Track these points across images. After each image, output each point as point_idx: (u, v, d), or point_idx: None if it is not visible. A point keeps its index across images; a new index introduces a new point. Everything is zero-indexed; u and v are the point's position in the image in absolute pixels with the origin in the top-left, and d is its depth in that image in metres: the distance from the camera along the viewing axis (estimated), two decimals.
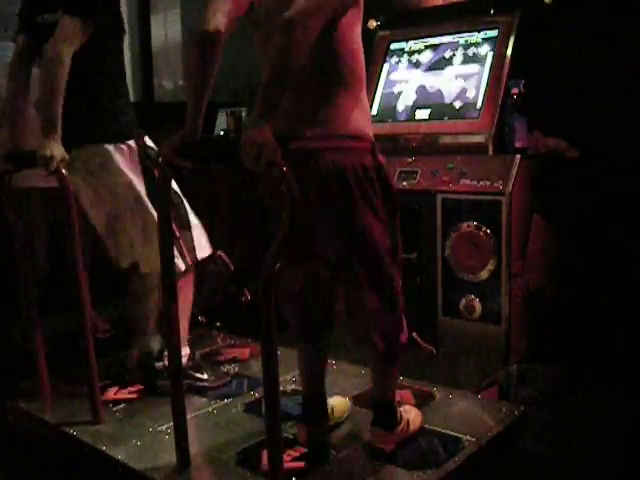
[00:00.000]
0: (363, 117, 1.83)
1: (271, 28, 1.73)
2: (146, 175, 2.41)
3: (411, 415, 2.08)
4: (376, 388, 2.03)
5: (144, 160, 2.41)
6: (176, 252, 2.32)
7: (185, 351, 2.48)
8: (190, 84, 1.88)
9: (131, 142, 2.41)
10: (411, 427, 2.05)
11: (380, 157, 1.83)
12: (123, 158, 2.38)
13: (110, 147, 2.36)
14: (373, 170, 1.78)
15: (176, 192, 2.46)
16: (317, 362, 2.09)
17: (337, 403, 2.18)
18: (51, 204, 3.09)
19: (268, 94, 1.58)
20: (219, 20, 1.75)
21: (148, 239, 2.40)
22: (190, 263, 2.48)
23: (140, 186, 2.40)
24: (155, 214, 2.31)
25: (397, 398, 2.08)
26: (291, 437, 2.05)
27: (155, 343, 2.60)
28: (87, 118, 2.34)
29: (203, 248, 2.54)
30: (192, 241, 2.49)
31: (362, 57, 1.82)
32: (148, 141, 2.47)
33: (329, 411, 2.12)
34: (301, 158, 1.66)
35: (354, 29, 1.77)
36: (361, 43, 1.81)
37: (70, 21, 2.21)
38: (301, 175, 1.57)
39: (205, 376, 2.54)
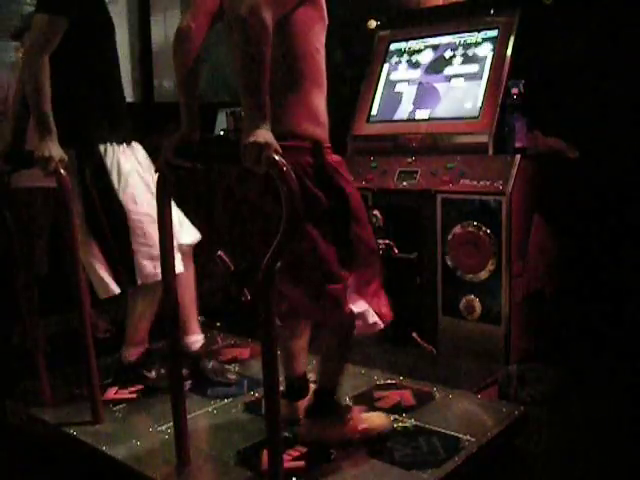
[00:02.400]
0: (306, 118, 1.80)
1: (229, 25, 1.78)
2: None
3: (367, 418, 2.07)
4: (324, 374, 2.04)
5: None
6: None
7: (199, 336, 2.60)
8: (177, 83, 1.90)
9: (108, 146, 2.34)
10: (365, 427, 2.03)
11: (330, 158, 1.82)
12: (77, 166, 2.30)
13: (73, 157, 2.29)
14: (312, 169, 1.77)
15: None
16: (291, 341, 2.13)
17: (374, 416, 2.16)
18: (50, 204, 3.09)
19: (247, 93, 1.58)
20: (189, 17, 1.82)
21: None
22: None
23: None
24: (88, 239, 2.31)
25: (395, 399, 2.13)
26: (291, 437, 2.05)
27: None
28: (66, 121, 2.26)
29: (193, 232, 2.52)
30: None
31: (320, 60, 1.81)
32: (137, 146, 2.43)
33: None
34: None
35: (311, 30, 1.77)
36: (322, 47, 1.81)
37: (39, 18, 2.18)
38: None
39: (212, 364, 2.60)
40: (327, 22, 1.83)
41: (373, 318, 1.90)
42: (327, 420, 2.02)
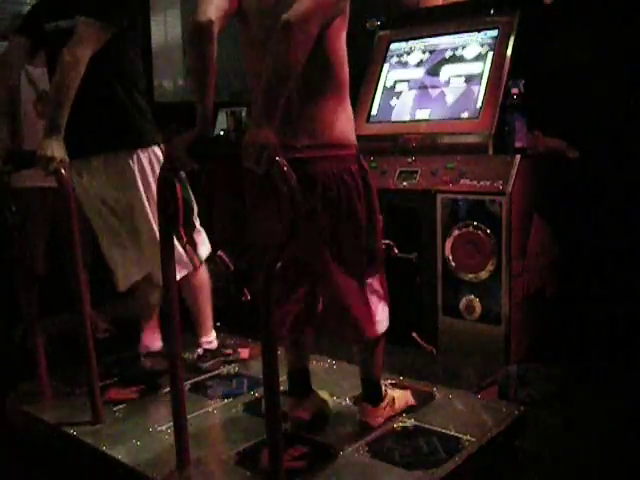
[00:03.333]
0: (348, 125, 1.86)
1: (260, 28, 1.78)
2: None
3: (396, 394, 2.21)
4: (363, 367, 2.14)
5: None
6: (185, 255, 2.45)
7: (212, 335, 2.74)
8: (193, 80, 1.86)
9: (153, 148, 2.41)
10: (396, 404, 2.18)
11: (364, 163, 1.89)
12: (140, 167, 2.38)
13: (130, 157, 2.36)
14: (358, 176, 1.83)
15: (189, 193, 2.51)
16: (297, 339, 2.15)
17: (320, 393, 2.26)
18: (50, 204, 3.09)
19: (269, 96, 1.59)
20: (211, 11, 1.75)
21: (150, 255, 2.43)
22: (198, 264, 2.57)
23: (149, 200, 2.38)
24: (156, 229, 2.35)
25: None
26: (291, 437, 2.05)
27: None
28: (106, 125, 2.34)
29: (206, 246, 2.60)
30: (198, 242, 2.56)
31: (347, 66, 1.84)
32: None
33: (324, 406, 2.21)
34: (292, 168, 1.66)
35: (340, 37, 1.79)
36: (345, 51, 1.83)
37: (88, 24, 2.20)
38: None
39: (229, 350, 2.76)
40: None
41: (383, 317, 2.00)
42: (382, 405, 2.13)
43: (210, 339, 2.73)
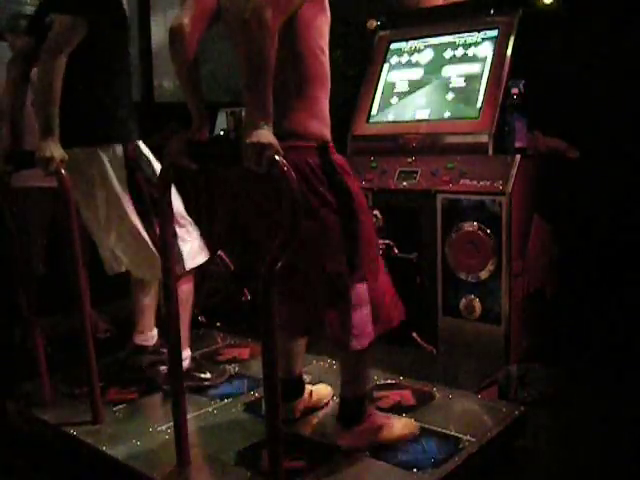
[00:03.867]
0: (314, 119, 1.81)
1: (230, 26, 1.79)
2: (131, 180, 2.38)
3: (394, 424, 2.03)
4: (342, 382, 2.01)
5: (132, 165, 2.37)
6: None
7: (186, 353, 2.48)
8: (179, 83, 1.90)
9: (130, 143, 2.38)
10: (384, 433, 1.99)
11: (335, 157, 1.83)
12: (116, 163, 2.35)
13: (105, 152, 2.33)
14: (319, 169, 1.77)
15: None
16: (290, 343, 2.14)
17: (318, 388, 2.25)
18: (48, 204, 3.08)
19: (251, 94, 1.59)
20: (182, 15, 1.81)
21: (134, 250, 2.42)
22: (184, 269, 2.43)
23: (126, 196, 2.36)
24: (138, 224, 2.35)
25: (395, 399, 2.14)
26: (291, 437, 2.05)
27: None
28: (85, 119, 2.32)
29: (200, 254, 2.52)
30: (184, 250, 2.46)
31: (324, 60, 1.81)
32: (142, 146, 2.44)
33: (308, 394, 2.20)
34: None
35: (313, 29, 1.76)
36: (326, 46, 1.81)
37: (61, 20, 2.19)
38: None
39: (208, 375, 2.55)
40: (330, 19, 1.82)
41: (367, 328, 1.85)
42: (357, 428, 1.98)
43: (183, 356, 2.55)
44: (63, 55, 2.16)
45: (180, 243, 2.39)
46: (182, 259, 2.37)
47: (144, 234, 2.38)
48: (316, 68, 1.79)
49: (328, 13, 1.81)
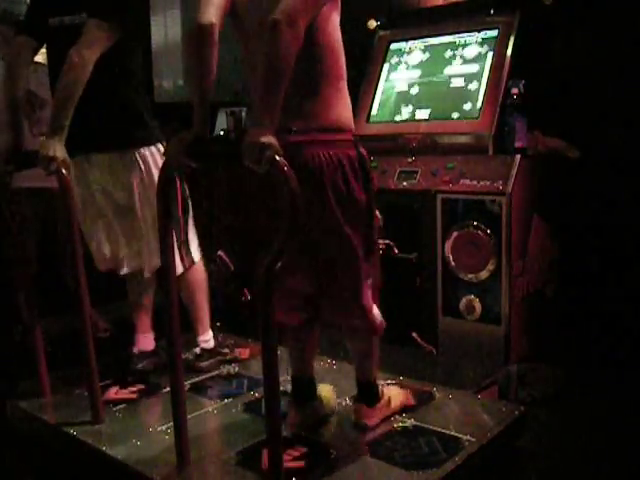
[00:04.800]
0: (346, 110, 1.85)
1: (252, 24, 1.77)
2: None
3: (392, 392, 2.20)
4: (357, 368, 2.13)
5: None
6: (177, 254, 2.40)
7: (210, 334, 2.75)
8: (192, 81, 1.86)
9: (158, 145, 2.43)
10: (392, 404, 2.17)
11: (362, 149, 1.86)
12: (145, 164, 2.41)
13: (135, 154, 2.39)
14: (357, 162, 1.81)
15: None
16: (306, 343, 2.15)
17: (325, 392, 2.25)
18: (45, 205, 3.07)
19: (266, 96, 1.59)
20: (212, 12, 1.75)
21: (130, 242, 2.48)
22: (191, 262, 2.57)
23: (148, 198, 2.40)
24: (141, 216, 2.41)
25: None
26: (291, 437, 2.05)
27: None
28: (117, 123, 2.36)
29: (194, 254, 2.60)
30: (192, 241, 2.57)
31: (341, 50, 1.83)
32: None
33: (322, 401, 2.20)
34: (287, 151, 1.61)
35: (331, 21, 1.77)
36: (339, 36, 1.82)
37: (97, 26, 2.20)
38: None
39: (227, 350, 2.77)
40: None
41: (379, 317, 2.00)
42: (378, 405, 2.12)
43: (207, 338, 2.73)
44: (92, 58, 2.18)
45: (190, 235, 2.55)
46: (191, 253, 2.55)
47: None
48: (337, 60, 1.81)
49: (338, 2, 1.81)
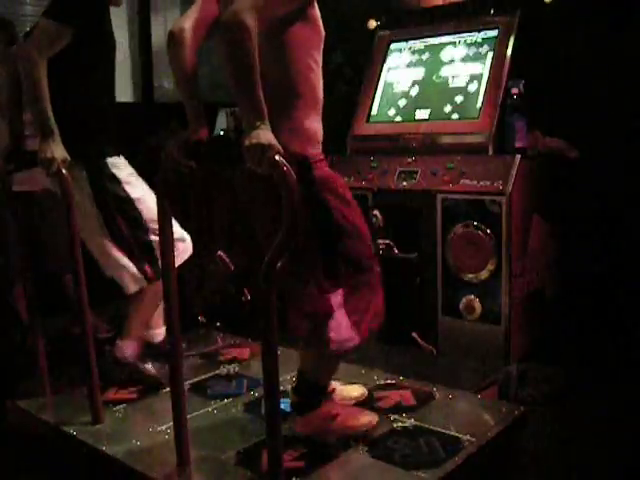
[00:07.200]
0: (293, 134, 1.80)
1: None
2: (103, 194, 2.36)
3: (352, 413, 2.08)
4: (304, 361, 2.04)
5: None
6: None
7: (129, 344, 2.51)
8: (177, 84, 1.93)
9: (107, 160, 2.37)
10: (337, 422, 2.02)
11: (318, 173, 1.82)
12: (92, 177, 2.35)
13: (82, 168, 2.32)
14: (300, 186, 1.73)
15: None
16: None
17: (345, 389, 2.24)
18: (36, 208, 3.06)
19: (240, 96, 1.60)
20: (183, 20, 1.87)
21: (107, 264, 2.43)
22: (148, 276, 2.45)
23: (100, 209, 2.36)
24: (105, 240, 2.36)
25: (395, 399, 2.17)
26: (291, 437, 2.05)
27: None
28: (65, 133, 2.25)
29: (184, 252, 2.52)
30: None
31: (313, 78, 1.82)
32: (115, 166, 2.41)
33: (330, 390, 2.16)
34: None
35: (306, 49, 1.78)
36: (317, 65, 1.82)
37: (45, 24, 2.19)
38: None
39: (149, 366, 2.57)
40: (323, 37, 1.84)
41: (347, 334, 1.87)
42: (314, 416, 2.02)
43: (125, 345, 2.51)
44: (43, 57, 2.15)
45: (157, 252, 2.30)
46: (156, 265, 2.38)
47: (113, 252, 2.39)
48: (303, 85, 1.80)
49: (320, 30, 1.82)
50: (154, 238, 2.35)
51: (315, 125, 1.86)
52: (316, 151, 1.85)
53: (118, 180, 2.37)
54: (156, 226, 2.24)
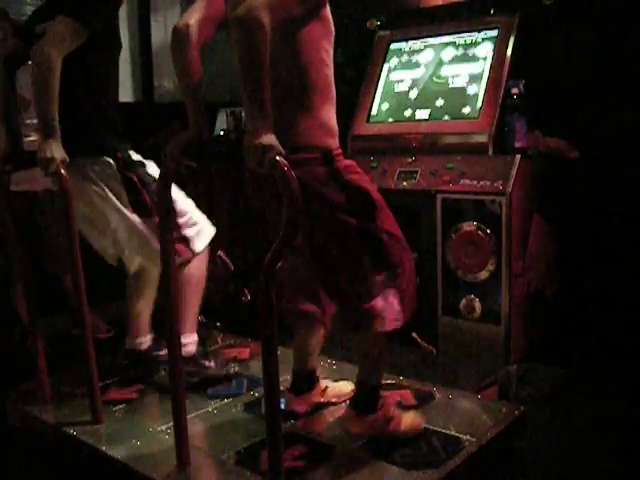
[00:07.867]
0: (315, 128, 1.81)
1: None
2: (126, 184, 2.38)
3: (405, 417, 2.07)
4: (360, 369, 2.04)
5: (123, 171, 2.38)
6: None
7: (193, 338, 2.53)
8: (180, 83, 1.91)
9: (104, 159, 2.37)
10: (392, 425, 2.02)
11: (341, 164, 1.83)
12: (100, 173, 2.36)
13: (88, 162, 2.34)
14: (325, 177, 1.79)
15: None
16: (308, 338, 2.19)
17: (337, 385, 2.28)
18: (36, 208, 3.05)
19: (248, 95, 1.59)
20: (188, 16, 1.86)
21: (130, 241, 2.44)
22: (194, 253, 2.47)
23: (116, 197, 2.38)
24: (133, 218, 2.37)
25: (395, 399, 2.17)
26: (291, 437, 2.05)
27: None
28: (69, 131, 2.26)
29: (205, 233, 2.53)
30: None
31: (327, 72, 1.82)
32: (133, 154, 2.44)
33: (321, 390, 2.24)
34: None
35: (319, 44, 1.79)
36: (329, 59, 1.83)
37: (64, 22, 2.19)
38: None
39: (212, 364, 2.57)
40: (334, 35, 1.84)
41: (394, 314, 1.93)
42: (370, 417, 2.01)
43: (188, 341, 2.48)
44: (59, 56, 2.15)
45: (186, 231, 2.43)
46: (189, 244, 2.44)
47: (143, 229, 2.40)
48: (317, 80, 1.80)
49: (331, 27, 1.82)
50: (180, 220, 2.39)
51: (331, 118, 1.86)
52: (335, 143, 1.86)
53: (143, 163, 2.41)
54: (179, 208, 2.37)
